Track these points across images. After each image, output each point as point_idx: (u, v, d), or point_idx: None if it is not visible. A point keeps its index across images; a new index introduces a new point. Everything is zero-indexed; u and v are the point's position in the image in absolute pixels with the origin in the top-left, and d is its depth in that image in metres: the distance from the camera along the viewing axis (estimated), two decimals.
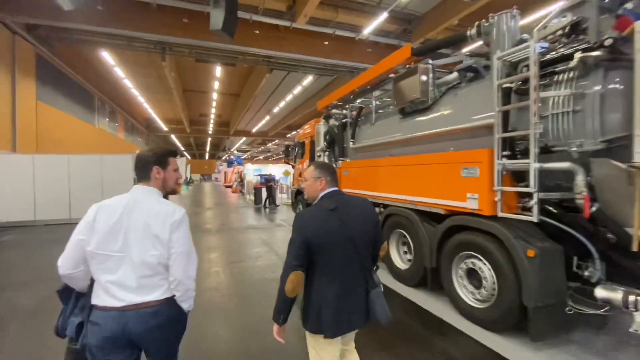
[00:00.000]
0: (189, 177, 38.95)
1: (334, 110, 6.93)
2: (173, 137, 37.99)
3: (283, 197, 16.97)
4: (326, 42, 12.13)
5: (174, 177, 1.64)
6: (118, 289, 1.37)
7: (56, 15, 9.43)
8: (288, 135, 35.46)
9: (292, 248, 1.56)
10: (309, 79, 15.95)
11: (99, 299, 1.39)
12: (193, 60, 14.48)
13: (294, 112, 25.49)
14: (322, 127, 7.19)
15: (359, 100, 6.34)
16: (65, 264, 1.42)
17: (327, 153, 7.09)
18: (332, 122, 7.01)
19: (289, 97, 19.02)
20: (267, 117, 25.85)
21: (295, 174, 9.66)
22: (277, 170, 18.43)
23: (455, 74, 4.12)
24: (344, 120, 6.71)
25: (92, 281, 1.45)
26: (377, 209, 5.02)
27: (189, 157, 56.44)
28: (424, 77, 4.16)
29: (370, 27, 10.41)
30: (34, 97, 11.13)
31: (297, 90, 17.53)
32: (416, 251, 4.04)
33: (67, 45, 12.52)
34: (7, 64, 9.74)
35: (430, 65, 4.17)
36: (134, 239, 1.40)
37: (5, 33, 9.64)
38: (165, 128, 30.78)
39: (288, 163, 9.90)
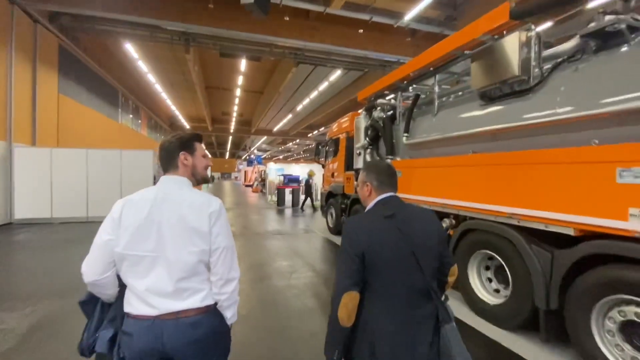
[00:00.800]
0: (209, 175, 38.86)
1: (380, 101, 5.91)
2: None
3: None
4: (361, 30, 11.13)
5: (203, 163, 1.46)
6: (152, 295, 1.20)
7: (78, 1, 8.94)
8: (309, 135, 34.73)
9: (343, 263, 1.28)
10: (336, 74, 15.00)
11: (131, 306, 1.22)
12: (217, 54, 13.90)
13: (317, 111, 24.64)
14: (362, 121, 6.19)
15: (412, 88, 5.33)
16: (91, 269, 1.23)
17: (369, 150, 6.09)
18: (376, 114, 5.98)
19: (313, 94, 18.13)
20: (290, 116, 25.13)
21: (326, 175, 8.70)
22: (300, 170, 17.57)
23: (572, 43, 3.02)
24: (392, 112, 5.69)
25: (122, 287, 1.29)
26: (444, 222, 3.97)
27: (209, 156, 56.81)
28: (525, 49, 3.11)
29: (412, 12, 9.32)
30: (55, 90, 10.74)
31: (323, 86, 16.61)
32: (517, 283, 2.96)
33: (90, 37, 12.16)
34: (28, 53, 9.32)
35: (534, 32, 3.11)
36: (168, 235, 1.23)
37: (27, 21, 9.22)
38: (187, 126, 30.69)
39: (319, 162, 8.96)
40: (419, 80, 4.97)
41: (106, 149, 9.72)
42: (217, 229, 1.27)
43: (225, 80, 18.82)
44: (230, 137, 41.28)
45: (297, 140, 41.03)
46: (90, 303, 1.33)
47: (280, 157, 56.22)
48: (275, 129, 32.67)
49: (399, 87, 5.35)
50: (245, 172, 39.55)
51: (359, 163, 6.21)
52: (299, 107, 21.69)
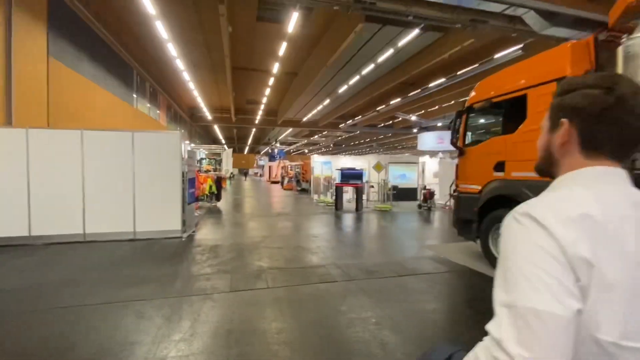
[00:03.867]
0: (231, 172, 36.39)
1: None
2: (216, 127, 35.12)
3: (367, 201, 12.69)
4: None
5: None
6: None
7: None
8: (341, 126, 31.24)
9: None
10: (411, 36, 11.38)
11: None
12: (250, 24, 10.75)
13: (356, 98, 21.13)
14: None
15: None
16: None
17: None
18: None
19: (369, 68, 14.56)
20: (327, 101, 21.68)
21: (469, 166, 5.23)
22: (352, 163, 14.17)
23: None
24: None
25: None
26: None
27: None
28: None
29: None
30: (43, 50, 7.67)
31: (386, 55, 13.01)
32: None
33: None
34: None
35: None
36: None
37: None
38: (209, 117, 27.74)
39: (457, 147, 5.41)
40: None
41: (111, 129, 6.54)
42: None
43: (257, 59, 15.57)
44: (253, 130, 38.26)
45: (325, 132, 37.67)
46: None
47: (306, 151, 52.91)
48: (304, 119, 29.36)
49: None
50: (269, 167, 36.58)
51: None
52: (342, 89, 18.17)
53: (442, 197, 12.45)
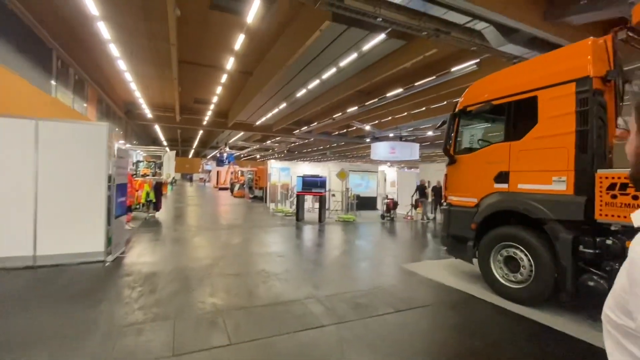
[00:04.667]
0: (173, 177, 33.40)
1: None
2: (157, 127, 31.83)
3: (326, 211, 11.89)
4: None
5: None
6: None
7: None
8: (295, 132, 30.40)
9: None
10: (377, 40, 11.01)
11: None
12: (202, 11, 9.51)
13: (314, 103, 20.49)
14: None
15: None
16: None
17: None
18: None
19: (330, 72, 13.95)
20: (284, 105, 20.66)
21: (462, 176, 4.64)
22: (310, 170, 13.36)
23: None
24: None
25: None
26: None
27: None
28: None
29: None
30: None
31: (349, 59, 12.52)
32: None
33: None
34: None
35: None
36: None
37: None
38: (149, 114, 24.84)
39: (448, 154, 4.72)
40: None
41: (4, 115, 4.79)
42: None
43: (209, 53, 14.04)
44: (201, 132, 35.55)
45: (278, 138, 36.44)
46: None
47: (258, 156, 50.92)
48: (257, 123, 27.91)
49: None
50: (218, 172, 34.23)
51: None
52: (301, 93, 17.34)
53: (402, 208, 12.18)
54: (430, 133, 27.95)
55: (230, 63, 13.56)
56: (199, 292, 3.91)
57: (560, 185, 3.38)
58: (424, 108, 20.38)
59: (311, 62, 13.57)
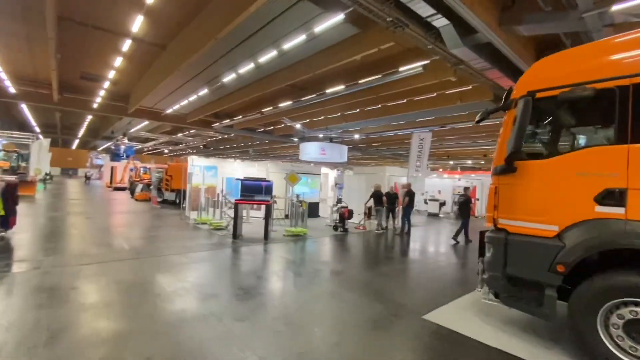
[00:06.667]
0: (48, 172, 26.14)
1: None
2: (25, 107, 24.11)
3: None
4: None
5: None
6: None
7: None
8: (215, 125, 26.83)
9: None
10: (332, 21, 9.37)
11: None
12: None
13: (242, 92, 17.87)
14: None
15: None
16: None
17: None
18: None
19: (269, 55, 11.79)
20: (205, 91, 17.41)
21: (530, 192, 3.17)
22: (245, 171, 11.06)
23: None
24: None
25: None
26: None
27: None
28: None
29: None
30: None
31: (295, 41, 10.61)
32: None
33: None
34: None
35: None
36: None
37: None
38: (12, 90, 18.20)
39: (508, 159, 3.15)
40: None
41: None
42: None
43: (106, 10, 10.35)
44: (89, 117, 28.59)
45: (193, 131, 31.89)
46: None
47: (166, 150, 44.15)
48: (168, 111, 23.50)
49: None
50: (113, 169, 27.99)
51: None
52: (229, 77, 14.59)
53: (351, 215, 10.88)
54: (356, 136, 27.97)
55: (136, 24, 10.16)
56: None
57: None
58: (357, 110, 19.80)
59: (249, 39, 11.18)
